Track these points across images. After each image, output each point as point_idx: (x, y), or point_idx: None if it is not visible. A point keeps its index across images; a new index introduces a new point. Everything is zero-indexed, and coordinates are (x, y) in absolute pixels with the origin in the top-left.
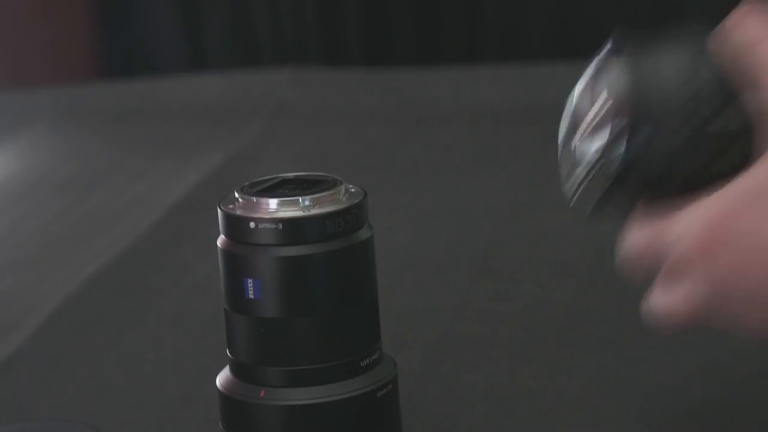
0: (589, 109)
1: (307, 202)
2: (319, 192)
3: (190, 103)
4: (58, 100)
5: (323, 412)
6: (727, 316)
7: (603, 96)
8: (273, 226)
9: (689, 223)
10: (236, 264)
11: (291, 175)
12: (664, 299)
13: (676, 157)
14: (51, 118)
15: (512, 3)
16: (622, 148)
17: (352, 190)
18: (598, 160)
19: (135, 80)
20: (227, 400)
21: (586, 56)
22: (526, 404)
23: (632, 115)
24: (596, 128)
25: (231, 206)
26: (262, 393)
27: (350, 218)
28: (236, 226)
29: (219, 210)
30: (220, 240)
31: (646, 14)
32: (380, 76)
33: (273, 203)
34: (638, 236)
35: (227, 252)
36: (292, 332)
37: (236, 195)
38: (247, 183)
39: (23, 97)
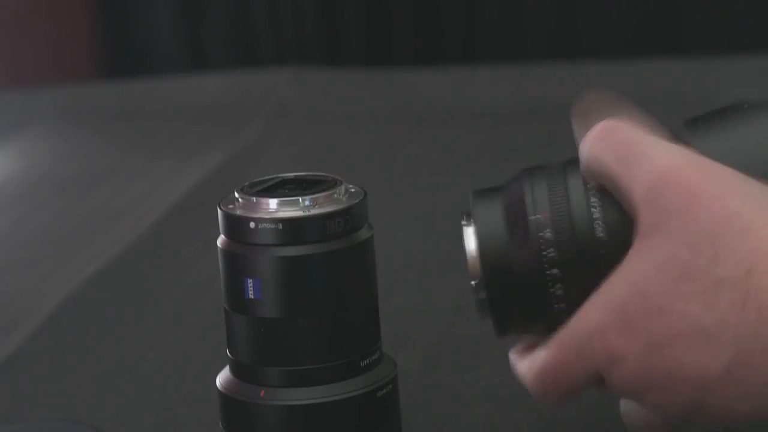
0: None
1: (307, 202)
2: (319, 192)
3: (190, 103)
4: (58, 100)
5: (323, 412)
6: (651, 405)
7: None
8: (273, 226)
9: (589, 333)
10: (236, 264)
11: (291, 175)
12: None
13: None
14: (51, 118)
15: (512, 3)
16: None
17: (352, 190)
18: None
19: (135, 80)
20: (227, 400)
21: (586, 56)
22: (526, 404)
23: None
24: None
25: (231, 206)
26: (262, 393)
27: (350, 218)
28: (236, 226)
29: (219, 210)
30: (220, 240)
31: (645, 14)
32: (380, 76)
33: (273, 203)
34: (536, 362)
35: (227, 252)
36: (292, 332)
37: (236, 195)
38: (247, 183)
39: (23, 97)
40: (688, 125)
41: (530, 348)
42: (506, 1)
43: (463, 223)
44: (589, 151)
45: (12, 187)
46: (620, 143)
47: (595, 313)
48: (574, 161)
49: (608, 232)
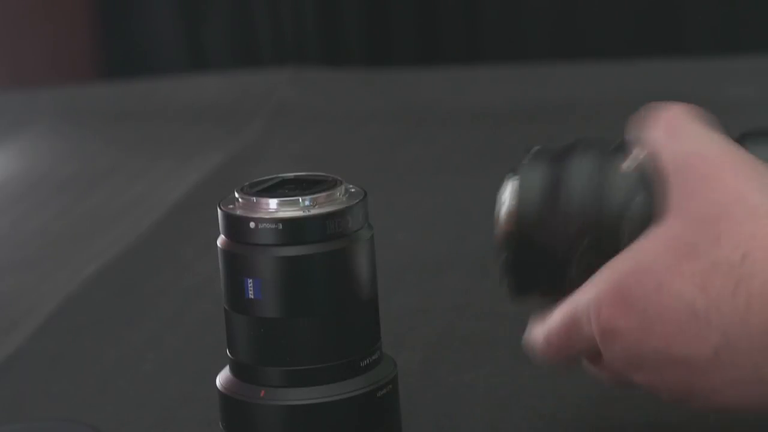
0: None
1: (307, 202)
2: (319, 192)
3: (190, 103)
4: (58, 100)
5: (323, 412)
6: (642, 385)
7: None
8: (273, 226)
9: (588, 304)
10: (236, 264)
11: (291, 175)
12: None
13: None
14: (51, 118)
15: (512, 3)
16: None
17: (352, 190)
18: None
19: (135, 80)
20: (227, 400)
21: (586, 56)
22: (526, 404)
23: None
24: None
25: (231, 206)
26: (262, 393)
27: (350, 218)
28: (236, 226)
29: (219, 210)
30: (220, 240)
31: (645, 14)
32: (380, 76)
33: (273, 203)
34: (546, 325)
35: (227, 252)
36: (292, 332)
37: (236, 195)
38: (247, 183)
39: (23, 97)
40: (751, 136)
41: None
42: (506, 1)
43: (508, 177)
44: (643, 127)
45: (12, 187)
46: (667, 124)
47: (598, 284)
48: (625, 144)
49: (641, 226)
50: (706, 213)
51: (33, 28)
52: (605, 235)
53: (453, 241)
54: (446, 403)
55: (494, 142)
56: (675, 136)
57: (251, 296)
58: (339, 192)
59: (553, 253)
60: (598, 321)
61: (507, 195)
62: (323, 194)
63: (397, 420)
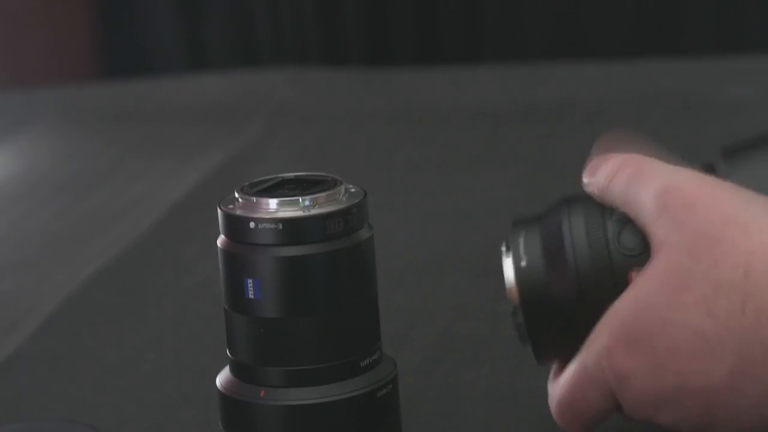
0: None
1: (307, 202)
2: (319, 192)
3: (190, 103)
4: (58, 100)
5: (323, 412)
6: (664, 424)
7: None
8: (273, 226)
9: (598, 354)
10: (236, 264)
11: (291, 175)
12: None
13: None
14: (51, 118)
15: (512, 3)
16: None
17: (352, 190)
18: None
19: (135, 80)
20: (227, 400)
21: (586, 56)
22: (526, 404)
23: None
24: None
25: (231, 206)
26: (262, 393)
27: (350, 218)
28: (236, 226)
29: (219, 210)
30: (220, 240)
31: (645, 14)
32: (380, 76)
33: (273, 203)
34: (560, 387)
35: (227, 252)
36: (292, 332)
37: (236, 195)
38: (247, 183)
39: (23, 97)
40: (726, 154)
41: (559, 374)
42: (506, 1)
43: (503, 251)
44: (604, 182)
45: (12, 187)
46: (631, 171)
47: (602, 334)
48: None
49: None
50: (697, 240)
51: (33, 28)
52: (614, 283)
53: (453, 241)
54: (446, 403)
55: (494, 142)
56: (640, 183)
57: (251, 296)
58: (339, 192)
59: (565, 312)
60: (612, 370)
61: (506, 268)
62: (323, 194)
63: (397, 420)
